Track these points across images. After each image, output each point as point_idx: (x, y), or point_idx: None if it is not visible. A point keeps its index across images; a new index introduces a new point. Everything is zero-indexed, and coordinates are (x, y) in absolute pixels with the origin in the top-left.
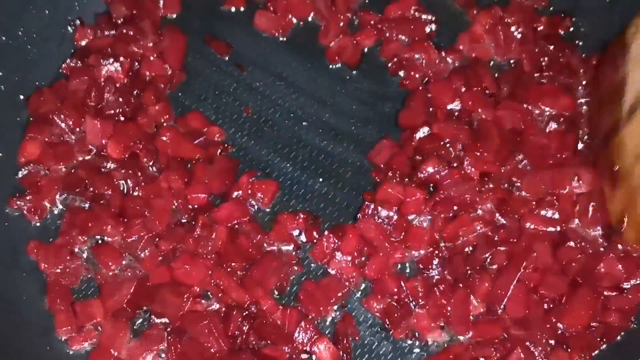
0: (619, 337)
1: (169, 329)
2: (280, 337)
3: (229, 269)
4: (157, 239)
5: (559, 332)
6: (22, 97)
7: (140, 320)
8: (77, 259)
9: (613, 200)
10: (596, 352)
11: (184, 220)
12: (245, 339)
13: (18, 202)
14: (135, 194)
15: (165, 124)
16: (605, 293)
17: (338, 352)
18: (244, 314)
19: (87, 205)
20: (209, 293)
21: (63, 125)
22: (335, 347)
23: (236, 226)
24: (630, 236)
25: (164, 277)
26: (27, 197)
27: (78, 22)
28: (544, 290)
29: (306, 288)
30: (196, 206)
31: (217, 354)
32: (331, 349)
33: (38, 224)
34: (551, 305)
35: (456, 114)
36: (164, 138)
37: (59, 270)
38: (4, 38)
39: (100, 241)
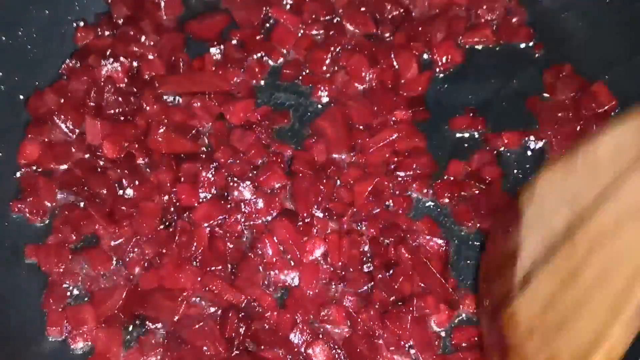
0: None
1: (164, 334)
2: (276, 339)
3: (216, 272)
4: (143, 243)
5: None
6: (22, 97)
7: (136, 326)
8: (77, 258)
9: None
10: None
11: (167, 223)
12: (241, 342)
13: (19, 206)
14: (130, 193)
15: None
16: None
17: (333, 355)
18: (240, 315)
19: (82, 204)
20: (200, 298)
21: (63, 126)
22: (330, 350)
23: (216, 227)
24: None
25: (152, 282)
26: (28, 200)
27: (82, 23)
28: None
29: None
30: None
31: (213, 357)
32: (326, 352)
33: (39, 225)
34: None
35: None
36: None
37: (61, 270)
38: (4, 38)
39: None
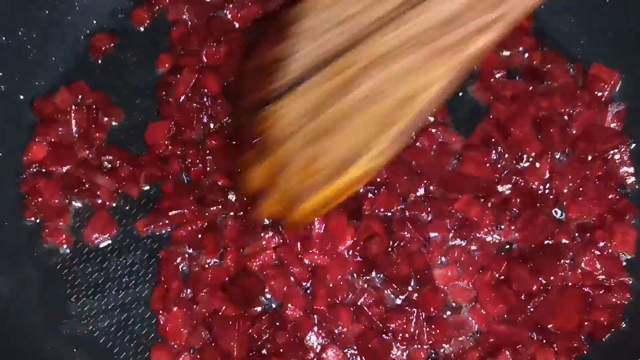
0: (609, 336)
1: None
2: (291, 344)
3: None
4: None
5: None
6: (22, 97)
7: None
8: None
9: (252, 173)
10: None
11: None
12: (261, 345)
13: (38, 215)
14: None
15: None
16: (590, 292)
17: (346, 356)
18: (276, 323)
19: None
20: None
21: (73, 124)
22: (344, 354)
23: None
24: (266, 210)
25: None
26: (40, 204)
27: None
28: (515, 285)
29: None
30: None
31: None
32: (340, 356)
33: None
34: (535, 304)
35: None
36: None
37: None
38: (4, 38)
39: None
